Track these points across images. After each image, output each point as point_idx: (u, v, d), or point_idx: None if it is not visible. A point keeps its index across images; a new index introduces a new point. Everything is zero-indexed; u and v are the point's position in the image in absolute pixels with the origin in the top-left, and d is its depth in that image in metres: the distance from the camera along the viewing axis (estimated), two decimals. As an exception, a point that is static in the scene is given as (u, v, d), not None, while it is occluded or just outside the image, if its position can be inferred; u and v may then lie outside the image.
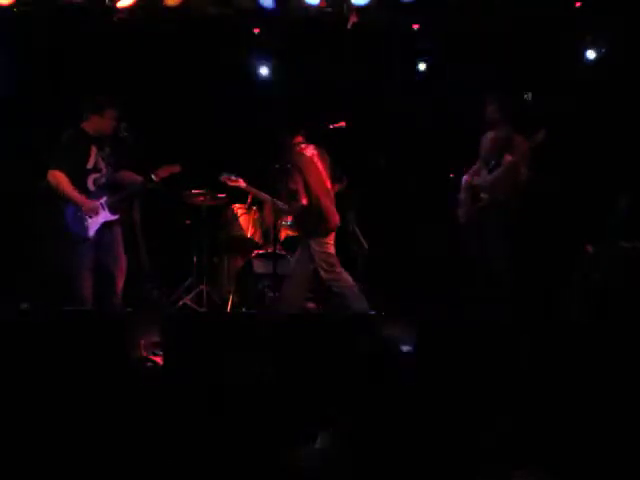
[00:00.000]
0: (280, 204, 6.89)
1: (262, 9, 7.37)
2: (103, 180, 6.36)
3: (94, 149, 6.32)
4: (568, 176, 7.65)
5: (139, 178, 6.57)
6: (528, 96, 7.36)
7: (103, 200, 6.32)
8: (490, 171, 6.81)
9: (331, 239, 6.72)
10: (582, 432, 3.25)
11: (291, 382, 3.92)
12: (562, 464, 2.90)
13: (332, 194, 6.86)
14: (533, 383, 3.73)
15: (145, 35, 7.97)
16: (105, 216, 6.32)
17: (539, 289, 7.13)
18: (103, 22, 7.53)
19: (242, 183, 6.99)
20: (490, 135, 6.91)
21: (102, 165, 6.36)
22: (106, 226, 6.35)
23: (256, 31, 7.96)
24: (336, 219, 6.81)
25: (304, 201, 6.64)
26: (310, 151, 6.80)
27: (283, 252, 7.44)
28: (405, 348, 4.72)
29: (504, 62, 7.83)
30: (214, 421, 2.78)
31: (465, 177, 7.01)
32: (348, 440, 2.58)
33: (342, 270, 6.72)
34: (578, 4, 7.40)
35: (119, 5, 7.34)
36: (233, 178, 6.95)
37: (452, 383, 3.64)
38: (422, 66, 8.36)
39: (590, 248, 6.71)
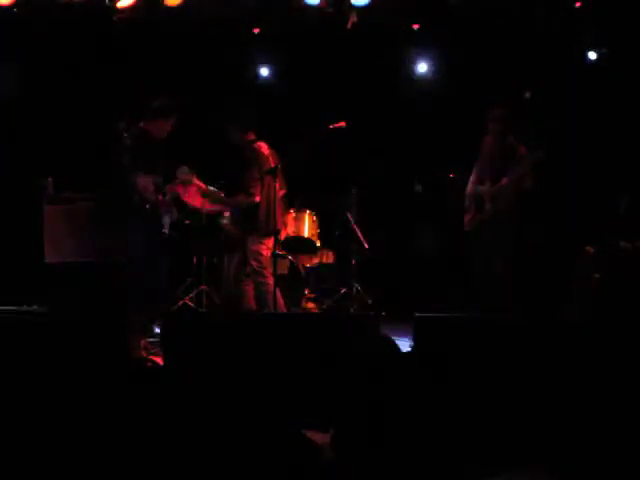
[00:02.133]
0: (226, 198, 6.84)
1: (262, 9, 7.39)
2: (160, 180, 6.38)
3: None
4: (568, 177, 7.65)
5: None
6: (527, 95, 7.36)
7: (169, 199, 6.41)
8: (494, 181, 6.72)
9: (268, 242, 6.64)
10: (583, 432, 3.26)
11: (290, 382, 3.92)
12: (562, 464, 2.91)
13: (279, 197, 6.75)
14: (533, 383, 3.73)
15: (145, 35, 7.98)
16: (172, 214, 6.41)
17: (540, 290, 7.14)
18: (103, 22, 7.54)
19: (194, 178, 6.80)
20: (491, 141, 6.78)
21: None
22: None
23: (256, 31, 7.97)
24: (278, 224, 6.73)
25: (257, 198, 6.61)
26: (266, 150, 6.78)
27: (283, 252, 7.44)
28: (404, 348, 4.72)
29: (504, 62, 7.84)
30: (214, 421, 2.78)
31: (469, 185, 6.92)
32: (348, 440, 2.58)
33: (270, 275, 6.64)
34: (578, 4, 7.40)
35: (119, 5, 7.35)
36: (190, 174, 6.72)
37: (451, 381, 3.65)
38: (422, 66, 8.36)
39: (590, 248, 6.71)
